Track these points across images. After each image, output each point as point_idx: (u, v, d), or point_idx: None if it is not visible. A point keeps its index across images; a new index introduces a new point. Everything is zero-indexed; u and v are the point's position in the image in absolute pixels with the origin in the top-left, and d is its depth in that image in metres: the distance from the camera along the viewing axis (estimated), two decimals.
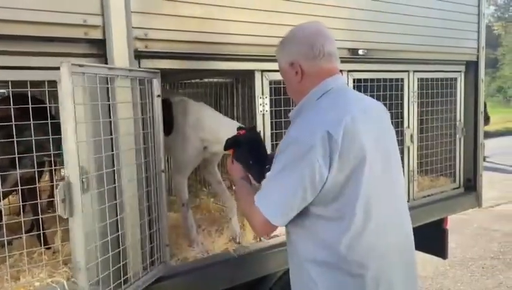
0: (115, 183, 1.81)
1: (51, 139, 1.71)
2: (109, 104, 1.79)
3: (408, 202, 2.97)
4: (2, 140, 1.76)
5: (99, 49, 1.82)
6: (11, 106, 1.67)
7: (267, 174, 1.69)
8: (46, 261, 1.86)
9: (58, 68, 1.53)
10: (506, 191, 8.06)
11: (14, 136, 1.70)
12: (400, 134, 3.02)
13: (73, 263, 1.70)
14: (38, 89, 1.66)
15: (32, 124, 1.70)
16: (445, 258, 3.77)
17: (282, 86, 2.37)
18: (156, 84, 1.99)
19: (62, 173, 1.72)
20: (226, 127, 2.19)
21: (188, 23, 2.06)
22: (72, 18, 1.71)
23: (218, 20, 2.14)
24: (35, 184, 1.95)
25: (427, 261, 4.49)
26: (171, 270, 2.11)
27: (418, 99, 3.22)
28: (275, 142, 2.43)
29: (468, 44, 3.45)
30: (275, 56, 1.66)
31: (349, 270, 1.42)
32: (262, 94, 2.38)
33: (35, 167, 1.81)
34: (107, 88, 1.77)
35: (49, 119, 1.70)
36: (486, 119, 8.30)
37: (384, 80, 2.97)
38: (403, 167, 2.98)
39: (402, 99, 3.13)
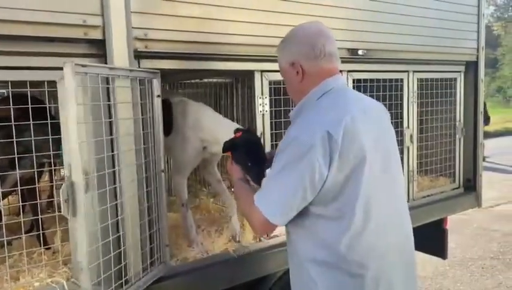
0: (115, 183, 1.81)
1: (50, 140, 1.71)
2: (109, 104, 1.79)
3: (408, 202, 2.97)
4: (2, 140, 1.76)
5: (99, 49, 1.82)
6: (11, 106, 1.67)
7: (267, 171, 1.70)
8: (45, 262, 1.85)
9: (58, 68, 1.53)
10: (506, 191, 8.07)
11: (14, 137, 1.70)
12: (399, 134, 3.02)
13: (74, 263, 1.70)
14: (38, 89, 1.66)
15: (32, 125, 1.70)
16: (445, 259, 3.77)
17: (282, 86, 2.38)
18: (156, 84, 1.99)
19: (62, 173, 1.72)
20: (225, 128, 2.20)
21: (188, 24, 2.06)
22: (72, 18, 1.71)
23: (218, 20, 2.14)
24: (35, 184, 1.95)
25: (427, 261, 4.49)
26: (171, 270, 2.11)
27: (417, 99, 3.23)
28: (274, 143, 2.43)
29: (468, 44, 3.45)
30: (274, 56, 1.66)
31: (348, 270, 1.42)
32: (262, 94, 2.38)
33: (35, 167, 1.81)
34: (107, 88, 1.77)
35: (48, 119, 1.70)
36: (487, 119, 8.33)
37: (384, 80, 2.97)
38: (403, 167, 2.98)
39: (402, 99, 3.13)
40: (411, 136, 3.19)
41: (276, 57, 1.64)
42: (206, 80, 3.54)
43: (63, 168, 1.59)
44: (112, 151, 1.80)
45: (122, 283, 1.82)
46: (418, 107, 3.24)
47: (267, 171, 1.75)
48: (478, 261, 5.11)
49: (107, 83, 1.77)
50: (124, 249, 1.86)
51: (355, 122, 1.40)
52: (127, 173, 1.86)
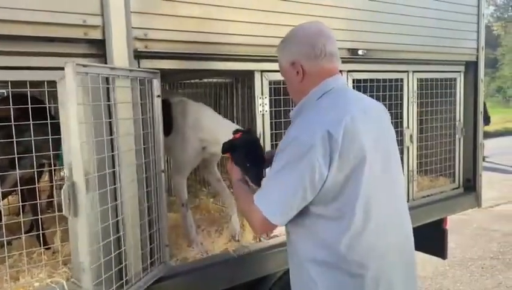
0: (115, 183, 1.81)
1: (50, 140, 1.71)
2: (109, 104, 1.79)
3: (408, 202, 2.97)
4: (2, 140, 1.76)
5: (98, 49, 1.81)
6: (11, 106, 1.67)
7: (267, 170, 1.70)
8: (45, 262, 1.85)
9: (58, 68, 1.53)
10: (506, 191, 8.07)
11: (14, 137, 1.70)
12: (399, 134, 3.02)
13: (75, 263, 1.70)
14: (38, 89, 1.66)
15: (31, 125, 1.70)
16: (445, 259, 3.77)
17: (281, 86, 2.38)
18: (156, 84, 1.99)
19: (62, 173, 1.72)
20: (225, 128, 2.20)
21: (188, 24, 2.06)
22: (71, 18, 1.70)
23: (218, 20, 2.14)
24: (35, 184, 1.95)
25: (427, 262, 4.49)
26: (171, 270, 2.11)
27: (417, 99, 3.23)
28: (274, 143, 2.43)
29: (468, 44, 3.45)
30: (274, 56, 1.66)
31: (348, 270, 1.42)
32: (262, 94, 2.38)
33: (35, 167, 1.81)
34: (107, 88, 1.77)
35: (48, 119, 1.70)
36: (487, 119, 8.33)
37: (384, 80, 2.97)
38: (403, 167, 2.98)
39: (402, 99, 3.13)
40: (411, 136, 3.19)
41: (276, 57, 1.64)
42: (206, 80, 3.54)
43: (63, 168, 1.59)
44: (112, 151, 1.80)
45: (122, 283, 1.82)
46: (417, 107, 3.24)
47: (267, 170, 1.75)
48: (478, 261, 5.11)
49: (107, 83, 1.77)
50: (124, 249, 1.86)
51: (355, 122, 1.40)
52: (127, 173, 1.86)
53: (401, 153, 2.98)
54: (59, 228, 1.81)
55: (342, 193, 1.40)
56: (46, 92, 1.65)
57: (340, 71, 1.59)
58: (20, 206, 2.39)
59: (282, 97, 2.40)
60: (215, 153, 2.49)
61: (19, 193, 2.31)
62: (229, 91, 3.35)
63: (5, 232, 1.91)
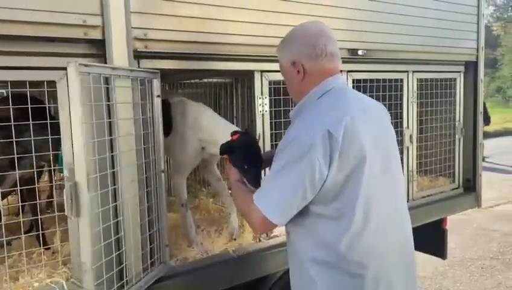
0: (115, 184, 1.81)
1: (50, 140, 1.71)
2: (109, 105, 1.79)
3: (407, 202, 2.97)
4: (1, 140, 1.76)
5: (98, 49, 1.81)
6: (10, 106, 1.67)
7: (266, 170, 1.70)
8: (45, 262, 1.85)
9: (58, 68, 1.52)
10: (506, 191, 8.07)
11: (14, 137, 1.70)
12: (399, 134, 3.02)
13: (74, 263, 1.70)
14: (38, 89, 1.66)
15: (31, 125, 1.70)
16: (445, 259, 3.77)
17: (281, 86, 2.38)
18: (156, 84, 1.99)
19: (61, 174, 1.72)
20: (224, 129, 2.20)
21: (188, 24, 2.06)
22: (71, 18, 1.70)
23: (218, 20, 2.14)
24: (35, 185, 1.95)
25: (427, 262, 4.49)
26: (171, 270, 2.11)
27: (417, 99, 3.23)
28: (274, 143, 2.43)
29: (468, 44, 3.45)
30: (274, 56, 1.66)
31: (348, 270, 1.42)
32: (262, 94, 2.38)
33: (35, 167, 1.81)
34: (107, 88, 1.77)
35: (48, 119, 1.70)
36: (487, 119, 8.34)
37: (384, 80, 2.97)
38: (403, 167, 2.98)
39: (401, 99, 3.13)
40: (411, 136, 3.19)
41: (276, 57, 1.63)
42: (206, 80, 3.54)
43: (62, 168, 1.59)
44: (112, 151, 1.80)
45: (123, 283, 1.82)
46: (417, 107, 3.24)
47: (266, 170, 1.75)
48: (478, 262, 5.11)
49: (107, 83, 1.77)
50: (125, 250, 1.85)
51: (355, 122, 1.40)
52: (127, 173, 1.86)
53: (401, 153, 2.98)
54: (59, 228, 1.81)
55: (342, 192, 1.40)
56: (46, 92, 1.65)
57: (341, 71, 1.59)
58: (20, 207, 2.39)
59: (282, 97, 2.40)
60: (214, 154, 2.49)
61: (19, 193, 2.31)
62: (229, 91, 3.35)
63: (5, 233, 1.91)
